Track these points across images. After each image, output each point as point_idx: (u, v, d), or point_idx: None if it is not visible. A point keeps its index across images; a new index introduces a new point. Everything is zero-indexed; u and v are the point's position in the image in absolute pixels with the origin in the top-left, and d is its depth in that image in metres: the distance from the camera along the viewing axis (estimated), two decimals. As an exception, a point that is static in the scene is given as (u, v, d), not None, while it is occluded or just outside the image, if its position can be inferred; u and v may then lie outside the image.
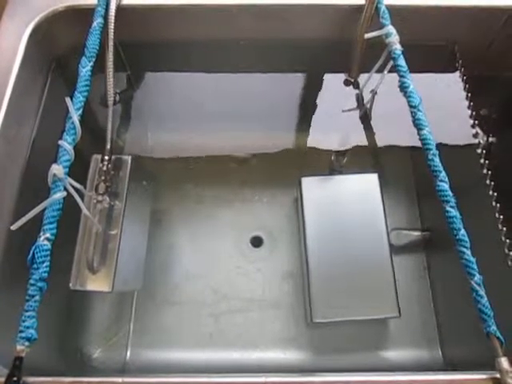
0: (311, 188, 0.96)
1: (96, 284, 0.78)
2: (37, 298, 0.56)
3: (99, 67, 0.79)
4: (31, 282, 0.57)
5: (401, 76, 0.70)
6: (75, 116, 0.67)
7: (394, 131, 0.99)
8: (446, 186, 0.61)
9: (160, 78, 1.02)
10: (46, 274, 0.58)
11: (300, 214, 0.98)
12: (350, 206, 0.95)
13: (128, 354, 0.94)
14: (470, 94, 0.85)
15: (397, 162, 1.01)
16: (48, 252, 0.59)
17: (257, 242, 1.03)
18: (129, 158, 0.84)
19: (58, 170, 0.62)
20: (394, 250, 0.93)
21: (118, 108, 1.01)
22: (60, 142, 0.66)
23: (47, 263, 0.58)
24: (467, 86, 0.86)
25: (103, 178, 0.79)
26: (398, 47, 0.72)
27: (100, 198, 0.78)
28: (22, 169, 0.81)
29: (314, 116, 1.02)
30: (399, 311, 0.87)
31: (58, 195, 0.62)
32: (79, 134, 0.68)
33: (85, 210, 0.70)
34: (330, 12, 0.84)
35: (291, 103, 1.03)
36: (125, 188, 0.83)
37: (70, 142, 0.66)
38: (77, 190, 0.68)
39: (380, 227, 0.93)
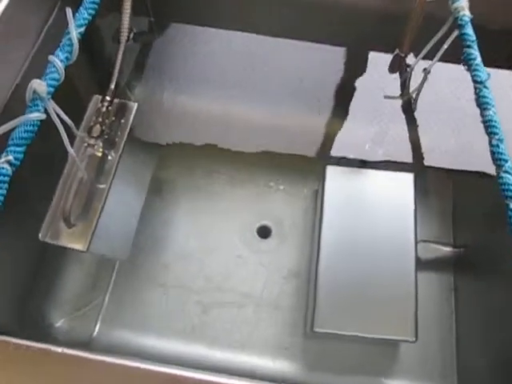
0: (336, 179, 0.84)
1: (70, 239, 0.66)
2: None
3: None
4: (-25, 209, 0.46)
5: (467, 46, 0.58)
6: (74, 31, 0.57)
7: (438, 129, 0.86)
8: (511, 178, 0.48)
9: (186, 31, 0.91)
10: (-4, 205, 0.47)
11: (318, 208, 0.86)
12: (377, 206, 0.82)
13: (96, 329, 0.82)
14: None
15: (436, 165, 0.88)
16: (6, 178, 0.48)
17: (264, 232, 0.91)
18: (135, 105, 0.73)
19: (39, 85, 0.51)
20: (420, 264, 0.79)
21: (133, 55, 0.90)
22: (50, 57, 0.55)
23: (2, 191, 0.47)
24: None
25: (100, 119, 0.69)
26: (466, 13, 0.60)
27: (92, 141, 0.67)
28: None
29: (350, 98, 0.89)
30: (416, 335, 0.73)
31: (34, 115, 0.51)
32: (75, 53, 0.57)
33: (69, 148, 0.59)
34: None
35: (326, 80, 0.91)
36: (124, 138, 0.72)
37: (61, 59, 0.56)
38: (64, 123, 0.58)
39: (408, 236, 0.80)
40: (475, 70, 0.56)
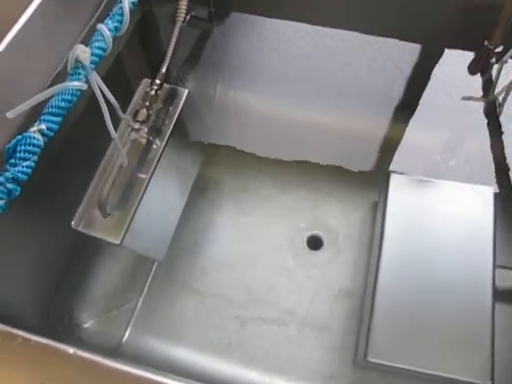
0: (400, 189, 0.74)
1: (103, 230, 0.60)
2: (0, 203, 0.39)
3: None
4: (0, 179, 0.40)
5: None
6: (127, 0, 0.51)
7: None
8: None
9: (245, 22, 0.85)
10: (24, 177, 0.41)
11: (378, 221, 0.76)
12: (448, 222, 0.71)
13: (126, 334, 0.76)
14: None
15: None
16: (36, 150, 0.42)
17: (315, 242, 0.82)
18: (185, 91, 0.67)
19: (82, 52, 0.46)
20: (498, 293, 0.68)
21: (189, 43, 0.85)
22: (98, 25, 0.50)
23: (30, 163, 0.41)
24: None
25: (147, 103, 0.63)
26: None
27: (137, 125, 0.62)
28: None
29: (421, 100, 0.80)
30: (492, 378, 0.61)
31: (74, 83, 0.45)
32: (126, 24, 0.52)
33: (110, 128, 0.53)
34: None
35: (395, 80, 0.82)
36: (170, 126, 0.66)
37: (110, 29, 0.50)
38: (108, 103, 0.52)
39: (485, 260, 0.69)
40: None
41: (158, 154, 0.64)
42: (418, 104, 0.80)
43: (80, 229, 0.60)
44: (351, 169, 0.85)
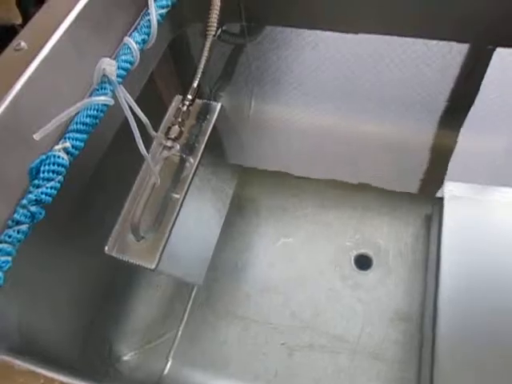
0: (458, 198, 0.67)
1: (138, 254, 0.57)
2: (23, 227, 0.36)
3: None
4: (22, 202, 0.37)
5: None
6: (154, 12, 0.49)
7: None
8: None
9: (278, 35, 0.82)
10: (48, 199, 0.38)
11: (434, 236, 0.70)
12: (515, 236, 0.63)
13: (168, 366, 0.71)
14: None
15: None
16: (62, 169, 0.39)
17: (364, 262, 0.76)
18: (218, 105, 0.64)
19: (109, 65, 0.43)
20: None
21: (222, 58, 0.83)
22: (125, 38, 0.47)
23: (55, 184, 0.38)
24: None
25: (180, 120, 0.60)
26: None
27: (169, 143, 0.58)
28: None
29: (471, 105, 0.73)
30: None
31: (100, 98, 0.43)
32: (154, 36, 0.50)
33: (140, 146, 0.50)
34: None
35: (440, 85, 0.76)
36: (204, 142, 0.62)
37: (138, 41, 0.48)
38: (138, 119, 0.49)
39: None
40: None
41: (192, 173, 0.61)
42: (469, 108, 0.74)
43: (114, 254, 0.57)
44: (400, 181, 0.79)
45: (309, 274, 0.77)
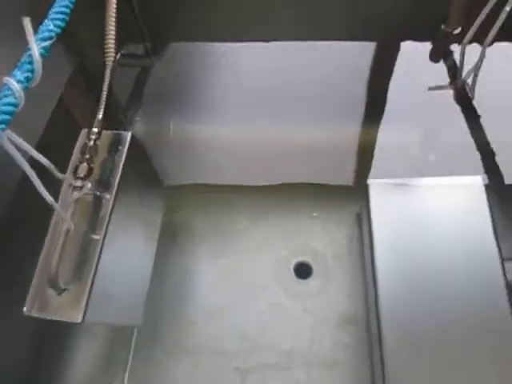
0: (383, 196, 0.68)
1: (60, 310, 0.52)
2: None
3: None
4: None
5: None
6: (36, 46, 0.44)
7: (508, 121, 0.70)
8: None
9: (185, 51, 0.80)
10: None
11: (366, 234, 0.70)
12: (441, 222, 0.65)
13: (115, 419, 0.66)
14: None
15: (510, 169, 0.70)
16: None
17: (304, 270, 0.75)
18: (128, 135, 0.61)
19: (-13, 112, 0.38)
20: (510, 288, 0.62)
21: (130, 82, 0.79)
22: (5, 79, 0.42)
23: None
24: None
25: (87, 156, 0.56)
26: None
27: (79, 183, 0.54)
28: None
29: (387, 98, 0.74)
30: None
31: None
32: (38, 72, 0.45)
33: (42, 191, 0.45)
34: None
35: (355, 82, 0.77)
36: (117, 176, 0.59)
37: (20, 81, 0.43)
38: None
39: (491, 256, 0.63)
40: None
41: (109, 210, 0.57)
42: (385, 104, 0.75)
43: (34, 314, 0.52)
44: (327, 184, 0.79)
45: (251, 292, 0.75)
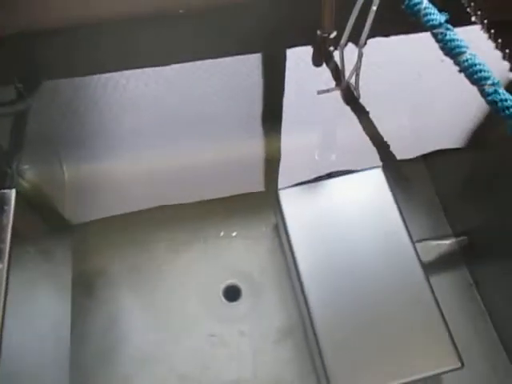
0: (294, 202, 0.69)
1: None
2: None
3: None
4: None
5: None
6: None
7: (393, 111, 0.74)
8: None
9: (71, 86, 0.75)
10: None
11: (285, 244, 0.70)
12: (353, 217, 0.67)
13: None
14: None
15: (404, 155, 0.75)
16: None
17: (233, 293, 0.73)
18: (12, 192, 0.55)
19: None
20: (427, 268, 0.65)
21: (13, 132, 0.72)
22: None
23: None
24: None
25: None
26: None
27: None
28: None
29: (283, 107, 0.75)
30: (461, 359, 0.57)
31: None
32: None
33: None
34: None
35: (248, 96, 0.77)
36: (7, 238, 0.52)
37: None
38: None
39: (403, 241, 0.66)
40: (426, 14, 0.44)
41: (4, 279, 0.51)
42: (281, 112, 0.76)
43: None
44: (240, 200, 0.78)
45: (184, 328, 0.71)
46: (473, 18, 0.67)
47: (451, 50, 0.42)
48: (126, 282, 0.74)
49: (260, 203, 0.78)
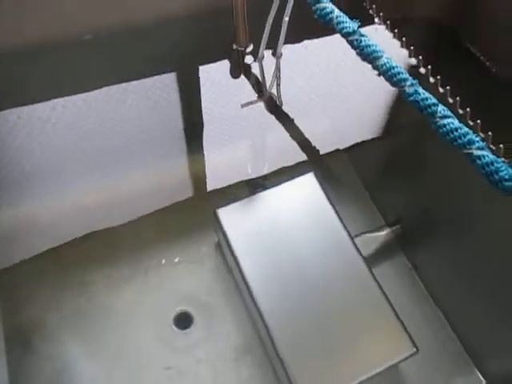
0: (234, 220, 0.69)
1: None
2: None
3: None
4: None
5: (317, 2, 0.47)
6: None
7: (315, 114, 0.76)
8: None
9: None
10: None
11: (230, 261, 0.69)
12: (293, 224, 0.68)
13: None
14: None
15: (330, 154, 0.77)
16: None
17: (184, 320, 0.71)
18: None
19: None
20: (369, 261, 0.67)
21: None
22: None
23: None
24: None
25: None
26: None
27: None
28: None
29: (205, 125, 0.75)
30: (415, 344, 0.60)
31: None
32: None
33: None
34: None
35: (169, 115, 0.75)
36: None
37: None
38: None
39: (342, 240, 0.68)
40: (339, 22, 0.45)
41: None
42: (202, 130, 0.75)
43: None
44: (176, 223, 0.76)
45: (139, 366, 0.68)
46: (376, 20, 0.71)
47: (368, 56, 0.44)
48: (68, 329, 0.69)
49: (197, 224, 0.77)
